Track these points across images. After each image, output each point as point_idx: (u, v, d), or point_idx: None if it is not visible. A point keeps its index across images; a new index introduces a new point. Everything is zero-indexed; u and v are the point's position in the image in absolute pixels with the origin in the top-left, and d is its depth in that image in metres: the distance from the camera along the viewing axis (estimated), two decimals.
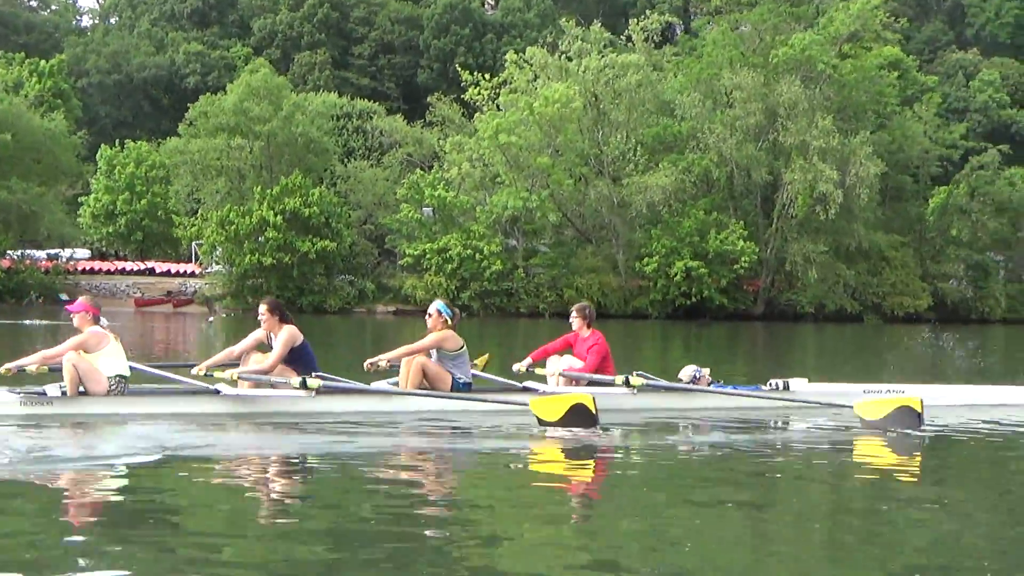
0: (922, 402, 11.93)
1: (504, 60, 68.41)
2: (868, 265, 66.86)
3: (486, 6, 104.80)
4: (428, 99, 74.11)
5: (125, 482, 8.95)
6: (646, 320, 61.42)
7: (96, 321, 12.28)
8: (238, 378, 12.38)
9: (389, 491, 8.86)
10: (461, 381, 12.96)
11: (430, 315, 13.24)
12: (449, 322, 13.16)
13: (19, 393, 11.68)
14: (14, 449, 9.66)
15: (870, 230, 66.26)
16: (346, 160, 69.57)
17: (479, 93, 64.95)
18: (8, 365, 11.87)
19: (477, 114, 64.67)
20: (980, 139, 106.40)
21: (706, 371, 14.03)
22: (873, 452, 11.26)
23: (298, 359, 12.66)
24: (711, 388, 13.88)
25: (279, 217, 60.02)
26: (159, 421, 11.50)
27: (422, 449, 11.15)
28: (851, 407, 12.24)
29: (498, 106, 64.41)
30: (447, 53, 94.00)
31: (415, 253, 61.72)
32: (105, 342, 12.08)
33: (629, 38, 68.78)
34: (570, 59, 65.76)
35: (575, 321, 14.08)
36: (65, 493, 8.43)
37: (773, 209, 64.78)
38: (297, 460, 10.39)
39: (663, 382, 13.73)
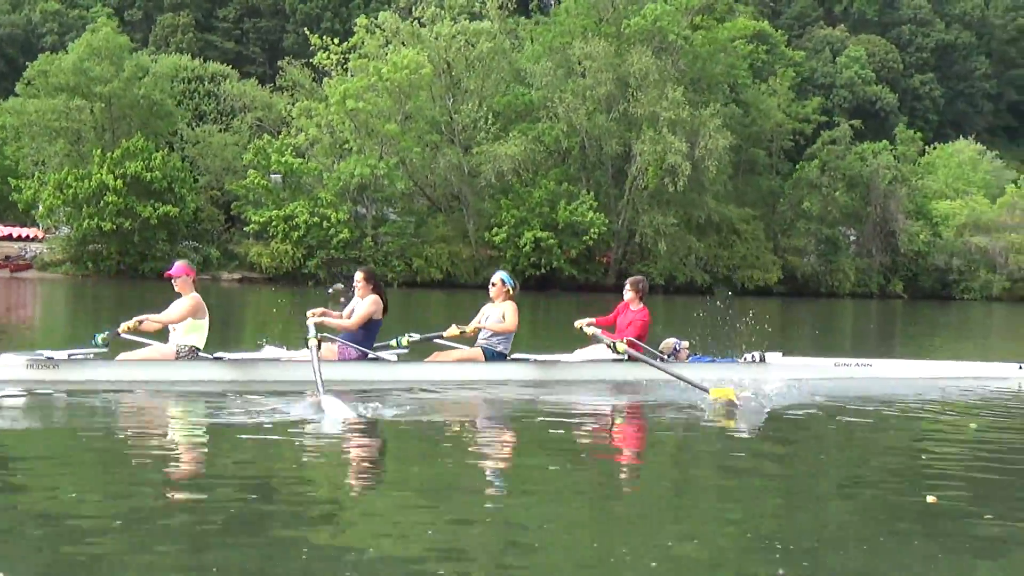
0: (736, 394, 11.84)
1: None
2: (719, 238, 67.12)
3: None
4: (279, 63, 72.61)
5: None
6: None
7: (196, 285, 12.51)
8: (320, 339, 12.18)
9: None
10: (496, 352, 13.57)
11: (493, 284, 13.77)
12: (511, 292, 13.74)
13: (25, 357, 11.75)
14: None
15: (721, 203, 66.46)
16: (195, 124, 67.91)
17: (328, 58, 63.72)
18: (127, 324, 12.03)
19: (326, 79, 63.45)
20: (846, 114, 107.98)
21: (686, 344, 14.41)
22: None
23: (371, 331, 13.01)
24: (687, 362, 14.13)
25: (119, 181, 58.30)
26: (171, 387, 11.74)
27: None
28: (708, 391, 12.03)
29: (348, 71, 63.22)
30: (313, 18, 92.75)
31: (261, 220, 60.46)
32: (204, 312, 12.35)
33: (484, 3, 67.94)
34: (423, 25, 64.75)
35: (628, 293, 14.49)
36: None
37: (625, 180, 64.55)
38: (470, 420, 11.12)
39: (641, 355, 13.60)
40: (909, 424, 11.56)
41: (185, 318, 12.19)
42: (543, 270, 61.95)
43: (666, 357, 14.05)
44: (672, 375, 12.88)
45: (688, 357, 14.33)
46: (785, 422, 11.10)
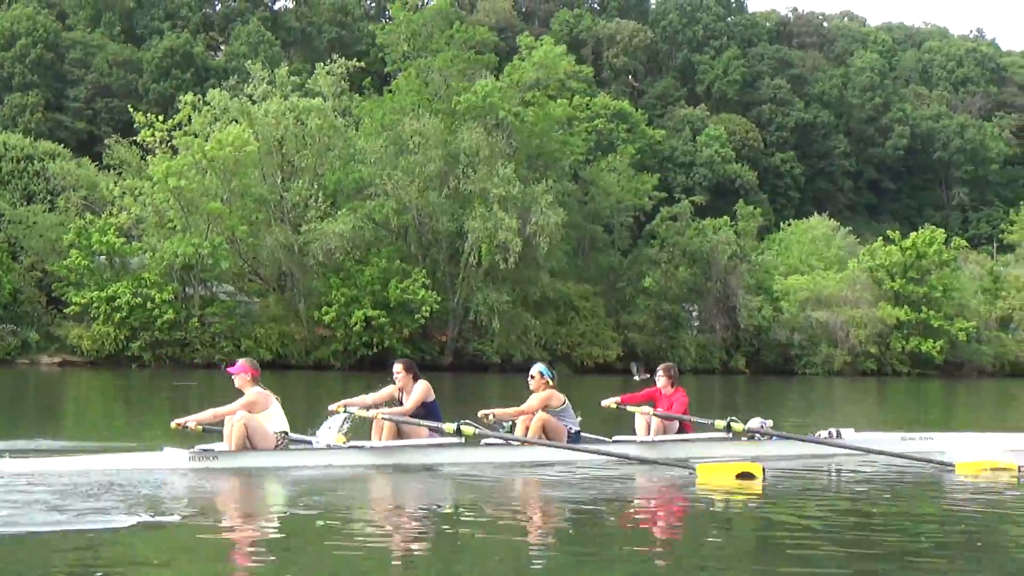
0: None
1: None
2: (558, 315, 66.60)
3: (210, 52, 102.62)
4: (106, 141, 71.06)
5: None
6: (329, 371, 59.57)
7: (256, 382, 13.26)
8: (381, 417, 13.58)
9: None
10: (573, 431, 14.32)
11: (532, 377, 14.54)
12: (551, 383, 14.49)
13: (191, 449, 12.84)
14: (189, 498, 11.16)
15: (558, 280, 65.99)
16: (21, 203, 65.88)
17: (152, 135, 62.39)
18: (179, 420, 13.32)
19: (150, 156, 62.11)
20: (706, 192, 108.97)
21: (770, 422, 15.30)
22: None
23: (429, 413, 13.87)
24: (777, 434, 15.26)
25: None
26: (312, 471, 12.92)
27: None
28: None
29: (173, 148, 61.95)
30: (167, 97, 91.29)
31: (82, 301, 58.62)
32: (270, 401, 13.22)
33: (317, 81, 67.19)
34: (254, 102, 63.78)
35: (660, 379, 15.34)
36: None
37: (460, 258, 63.86)
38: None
39: (779, 432, 15.16)
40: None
41: (239, 411, 13.07)
42: (375, 349, 60.80)
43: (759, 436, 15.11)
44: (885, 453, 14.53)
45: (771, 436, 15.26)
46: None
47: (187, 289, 61.27)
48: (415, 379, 14.08)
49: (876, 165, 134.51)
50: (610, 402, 15.19)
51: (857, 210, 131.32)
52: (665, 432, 14.91)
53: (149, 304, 58.40)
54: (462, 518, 10.43)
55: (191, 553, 8.52)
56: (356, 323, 60.09)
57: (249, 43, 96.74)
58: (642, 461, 14.02)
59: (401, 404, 14.00)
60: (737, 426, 14.56)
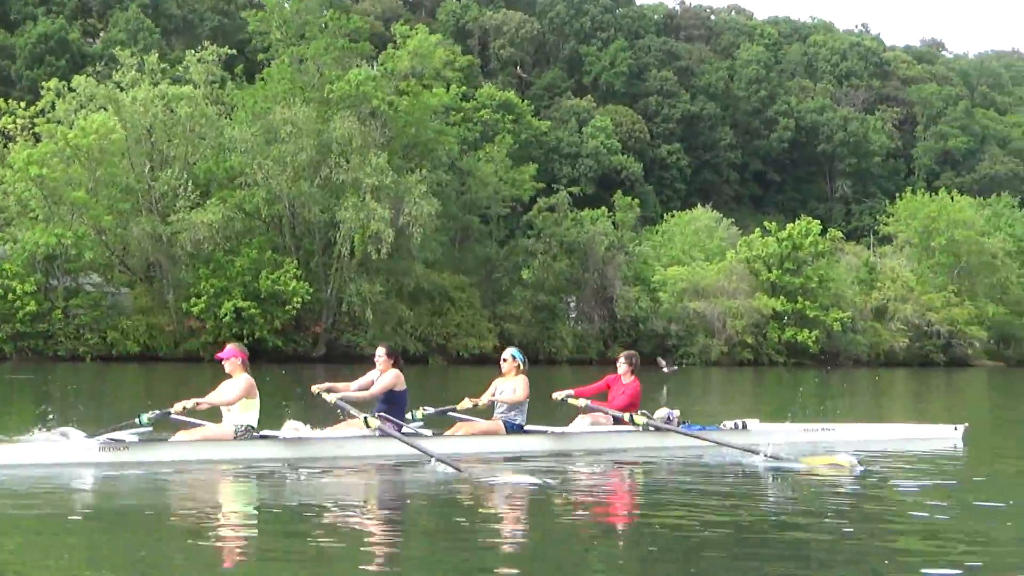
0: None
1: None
2: (433, 306, 66.06)
3: (87, 39, 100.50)
4: None
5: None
6: (199, 363, 58.42)
7: (246, 367, 13.23)
8: (335, 402, 13.58)
9: None
10: (516, 424, 14.54)
11: (505, 360, 14.75)
12: (522, 367, 14.68)
13: (100, 440, 12.36)
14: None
15: (433, 270, 65.51)
16: None
17: (13, 122, 60.71)
18: (186, 403, 12.67)
19: (11, 144, 60.44)
20: (591, 183, 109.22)
21: (677, 412, 15.55)
22: None
23: (395, 402, 13.97)
24: (680, 429, 15.19)
25: None
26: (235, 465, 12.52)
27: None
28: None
29: (36, 136, 60.37)
30: (41, 85, 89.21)
31: None
32: (255, 391, 13.12)
33: (187, 69, 65.95)
34: (122, 89, 62.34)
35: (622, 366, 15.43)
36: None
37: (333, 248, 63.07)
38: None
39: (658, 423, 15.17)
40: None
41: (240, 399, 12.95)
42: (246, 341, 59.45)
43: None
44: (712, 442, 14.81)
45: (680, 424, 15.43)
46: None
47: (51, 280, 59.68)
48: (395, 366, 14.16)
49: (761, 157, 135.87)
50: (560, 394, 15.27)
51: (743, 201, 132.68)
52: (595, 424, 15.41)
53: (10, 296, 56.82)
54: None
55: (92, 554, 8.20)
56: (226, 314, 59.02)
57: (128, 30, 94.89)
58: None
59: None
60: (639, 419, 14.86)
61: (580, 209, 74.96)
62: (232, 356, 13.23)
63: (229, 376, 13.24)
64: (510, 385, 14.56)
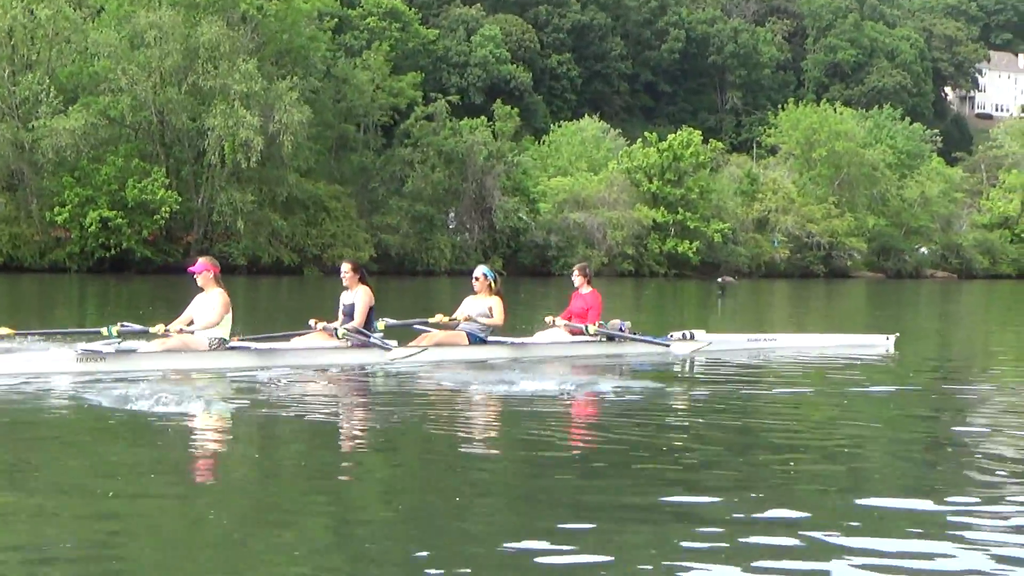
0: None
1: None
2: (307, 216, 64.83)
3: None
4: None
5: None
6: (66, 274, 56.93)
7: (218, 280, 13.24)
8: (343, 332, 13.94)
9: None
10: (478, 336, 14.78)
11: (477, 279, 15.15)
12: (493, 286, 15.09)
13: (78, 350, 12.57)
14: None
15: (307, 180, 64.27)
16: None
17: None
18: (170, 328, 12.91)
19: None
20: (479, 93, 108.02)
21: (628, 323, 16.10)
22: None
23: (368, 319, 14.22)
24: (632, 335, 15.90)
25: None
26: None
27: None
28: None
29: None
30: None
31: None
32: (228, 305, 13.19)
33: None
34: None
35: (576, 279, 16.11)
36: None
37: (203, 157, 61.53)
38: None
39: (618, 332, 15.83)
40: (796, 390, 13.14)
41: (222, 318, 13.08)
42: (114, 251, 58.24)
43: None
44: (638, 340, 15.83)
45: (631, 335, 15.99)
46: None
47: None
48: (361, 281, 14.42)
49: (652, 68, 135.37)
50: (551, 319, 15.89)
51: (634, 112, 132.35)
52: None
53: None
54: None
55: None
56: (92, 224, 57.38)
57: None
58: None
59: (342, 303, 14.45)
60: (591, 328, 15.42)
61: (472, 119, 73.73)
62: (204, 270, 13.24)
63: (201, 289, 13.25)
64: (483, 303, 14.93)
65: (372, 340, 14.05)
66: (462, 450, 8.80)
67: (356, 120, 69.90)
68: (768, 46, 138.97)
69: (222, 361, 13.16)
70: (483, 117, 74.53)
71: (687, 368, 15.33)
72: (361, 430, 9.94)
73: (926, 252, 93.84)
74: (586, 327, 15.41)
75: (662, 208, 76.66)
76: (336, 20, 74.00)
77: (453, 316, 14.86)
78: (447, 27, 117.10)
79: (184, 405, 10.29)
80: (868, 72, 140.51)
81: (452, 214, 71.08)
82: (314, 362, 13.78)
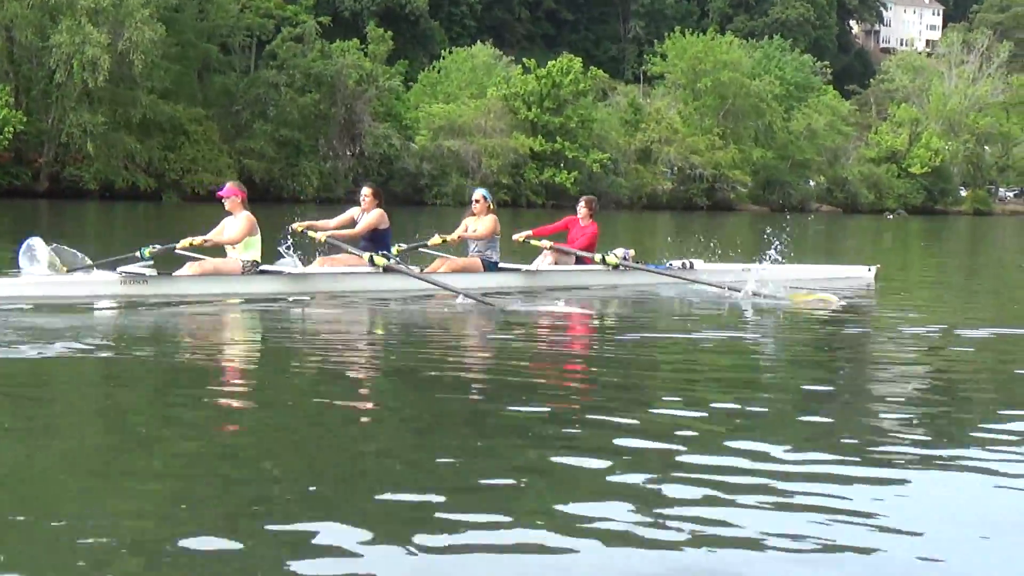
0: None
1: None
2: (165, 139, 62.59)
3: None
4: None
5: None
6: None
7: (245, 204, 13.42)
8: (325, 239, 14.04)
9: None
10: (493, 261, 15.13)
11: (476, 201, 15.32)
12: (492, 207, 15.37)
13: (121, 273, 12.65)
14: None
15: (165, 101, 62.02)
16: None
17: None
18: (194, 240, 13.06)
19: None
20: (374, 17, 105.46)
21: (632, 251, 16.15)
22: None
23: (379, 240, 14.32)
24: (661, 269, 16.18)
25: None
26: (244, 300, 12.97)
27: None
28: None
29: None
30: None
31: None
32: (257, 228, 13.37)
33: None
34: None
35: (582, 210, 16.18)
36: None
37: (53, 76, 59.01)
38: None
39: (638, 264, 16.11)
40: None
41: (244, 237, 13.22)
42: None
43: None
44: (648, 270, 16.14)
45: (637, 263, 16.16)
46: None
47: None
48: (378, 205, 14.52)
49: None
50: (520, 236, 16.11)
51: (535, 40, 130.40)
52: (557, 264, 16.11)
53: None
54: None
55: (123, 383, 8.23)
56: None
57: None
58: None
59: (356, 223, 14.52)
60: (611, 259, 15.61)
61: (325, 41, 71.33)
62: (232, 195, 13.42)
63: (230, 213, 13.44)
64: (481, 224, 15.20)
65: (395, 265, 14.15)
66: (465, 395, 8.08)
67: (220, 40, 67.44)
68: None
69: (259, 286, 13.40)
70: (355, 40, 72.51)
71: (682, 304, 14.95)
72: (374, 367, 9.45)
73: (813, 185, 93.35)
74: (603, 256, 15.66)
75: (540, 137, 75.12)
76: None
77: (448, 235, 15.16)
78: None
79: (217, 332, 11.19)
80: (772, 3, 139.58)
81: (321, 139, 68.91)
82: (346, 287, 13.93)
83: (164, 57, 61.89)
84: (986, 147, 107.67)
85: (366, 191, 14.80)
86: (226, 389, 8.05)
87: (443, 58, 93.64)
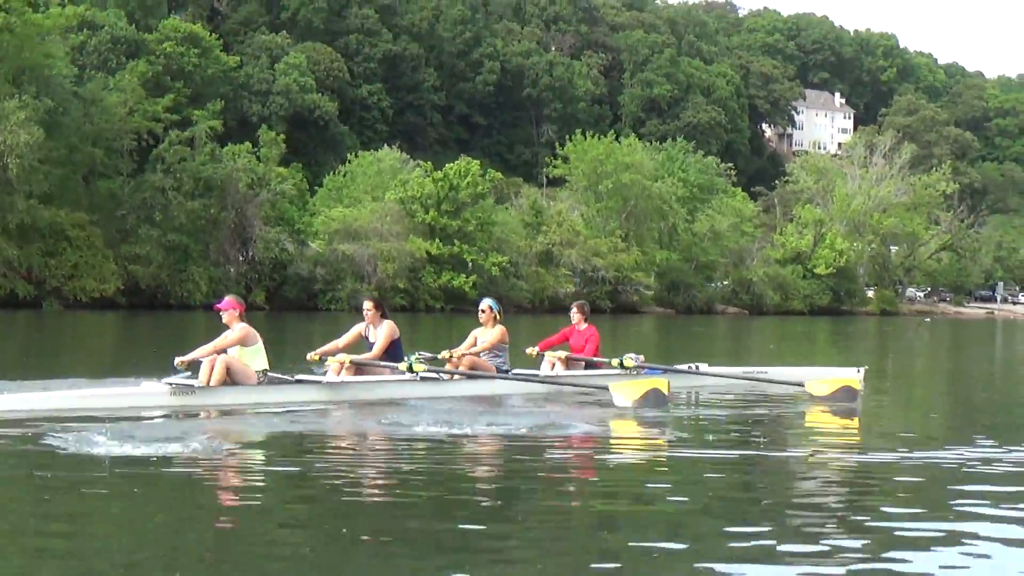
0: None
1: None
2: (45, 245, 60.91)
3: None
4: None
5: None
6: None
7: (242, 318, 13.88)
8: (349, 362, 14.34)
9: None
10: (504, 368, 15.61)
11: (483, 311, 15.91)
12: (499, 316, 15.92)
13: (170, 384, 13.11)
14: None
15: (45, 205, 60.49)
16: None
17: None
18: (182, 358, 13.41)
19: None
20: (282, 122, 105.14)
21: (641, 357, 16.59)
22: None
23: (394, 351, 14.74)
24: (705, 369, 17.35)
25: None
26: (287, 408, 13.32)
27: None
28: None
29: None
30: None
31: None
32: (256, 338, 13.77)
33: None
34: None
35: (575, 316, 16.96)
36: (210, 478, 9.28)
37: None
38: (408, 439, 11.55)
39: (654, 365, 16.58)
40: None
41: (236, 343, 13.56)
42: None
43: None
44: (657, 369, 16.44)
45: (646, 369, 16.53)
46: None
47: None
48: (383, 317, 14.93)
49: (466, 100, 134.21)
50: (532, 351, 16.59)
51: (448, 145, 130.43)
52: (568, 370, 16.47)
53: None
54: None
55: (173, 490, 8.72)
56: None
57: None
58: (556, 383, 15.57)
59: (367, 339, 14.88)
60: (628, 362, 16.03)
61: (217, 144, 70.22)
62: (230, 308, 13.84)
63: (227, 327, 13.76)
64: (489, 334, 15.64)
65: (386, 364, 14.59)
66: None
67: (107, 144, 66.12)
68: (584, 80, 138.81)
69: (299, 395, 13.83)
70: (247, 143, 71.52)
71: (692, 400, 16.02)
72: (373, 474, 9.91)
73: (718, 287, 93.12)
74: (621, 361, 16.08)
75: (438, 240, 74.20)
76: (80, 37, 70.34)
77: (460, 350, 15.59)
78: (251, 54, 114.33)
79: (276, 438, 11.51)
80: (684, 108, 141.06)
81: (210, 245, 67.39)
82: (381, 395, 14.31)
83: (46, 161, 60.45)
84: (892, 247, 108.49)
85: (368, 305, 15.08)
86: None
87: (348, 162, 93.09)
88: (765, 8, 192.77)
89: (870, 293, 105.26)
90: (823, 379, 16.00)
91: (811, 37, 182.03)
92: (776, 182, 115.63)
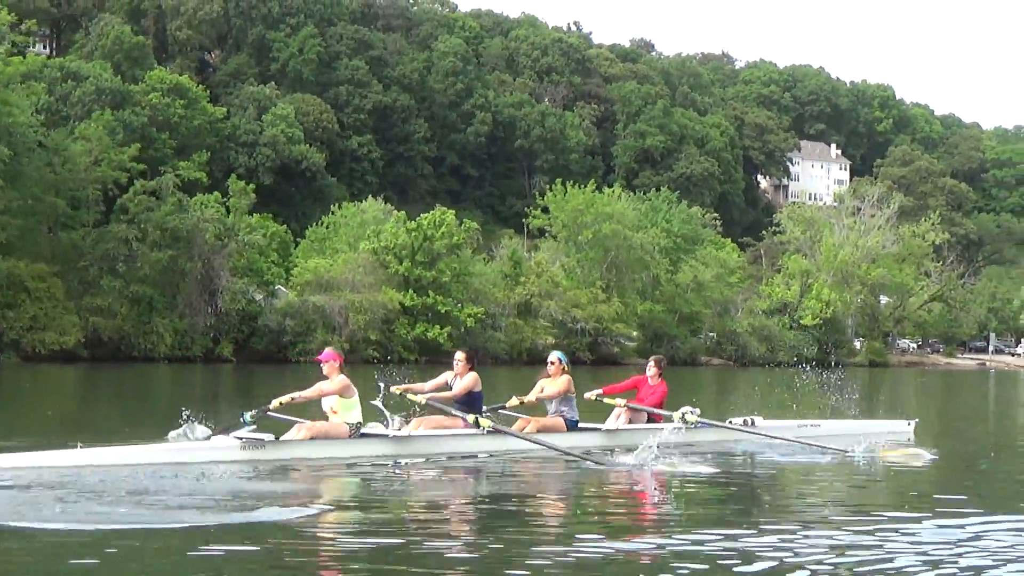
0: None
1: None
2: (4, 297, 59.97)
3: None
4: None
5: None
6: None
7: (341, 370, 14.33)
8: (426, 402, 14.93)
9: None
10: (574, 420, 16.00)
11: (552, 363, 16.24)
12: (567, 368, 16.23)
13: (241, 439, 13.39)
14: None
15: (4, 257, 59.63)
16: None
17: None
18: (282, 399, 13.71)
19: None
20: (269, 173, 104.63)
21: (698, 410, 16.81)
22: None
23: (473, 402, 15.33)
24: (751, 428, 17.20)
25: None
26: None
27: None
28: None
29: None
30: None
31: None
32: (353, 391, 14.27)
33: None
34: None
35: (651, 369, 17.32)
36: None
37: None
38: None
39: (713, 421, 17.20)
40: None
41: (334, 392, 14.09)
42: None
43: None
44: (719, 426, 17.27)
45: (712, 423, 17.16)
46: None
47: None
48: (471, 369, 15.40)
49: (458, 151, 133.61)
50: (592, 394, 16.83)
51: (439, 196, 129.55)
52: (631, 423, 16.62)
53: None
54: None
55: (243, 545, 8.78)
56: None
57: None
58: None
59: (451, 388, 15.35)
60: (691, 417, 16.32)
61: (186, 194, 69.38)
62: (330, 359, 14.27)
63: (326, 378, 14.17)
64: (554, 386, 15.94)
65: (459, 414, 14.99)
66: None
67: (70, 194, 65.29)
68: (576, 131, 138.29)
69: (360, 448, 14.20)
70: (217, 193, 70.74)
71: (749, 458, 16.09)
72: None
73: (702, 338, 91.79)
74: (683, 415, 16.28)
75: (412, 291, 73.13)
76: (46, 86, 69.66)
77: (529, 398, 15.90)
78: (239, 105, 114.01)
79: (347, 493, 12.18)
80: (677, 159, 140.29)
81: (177, 296, 66.28)
82: (445, 449, 14.77)
83: (6, 211, 59.72)
84: (882, 298, 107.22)
85: (459, 356, 15.55)
86: None
87: (333, 213, 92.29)
88: (761, 59, 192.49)
89: (858, 344, 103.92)
90: (894, 451, 16.22)
91: (807, 88, 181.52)
92: (763, 232, 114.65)
